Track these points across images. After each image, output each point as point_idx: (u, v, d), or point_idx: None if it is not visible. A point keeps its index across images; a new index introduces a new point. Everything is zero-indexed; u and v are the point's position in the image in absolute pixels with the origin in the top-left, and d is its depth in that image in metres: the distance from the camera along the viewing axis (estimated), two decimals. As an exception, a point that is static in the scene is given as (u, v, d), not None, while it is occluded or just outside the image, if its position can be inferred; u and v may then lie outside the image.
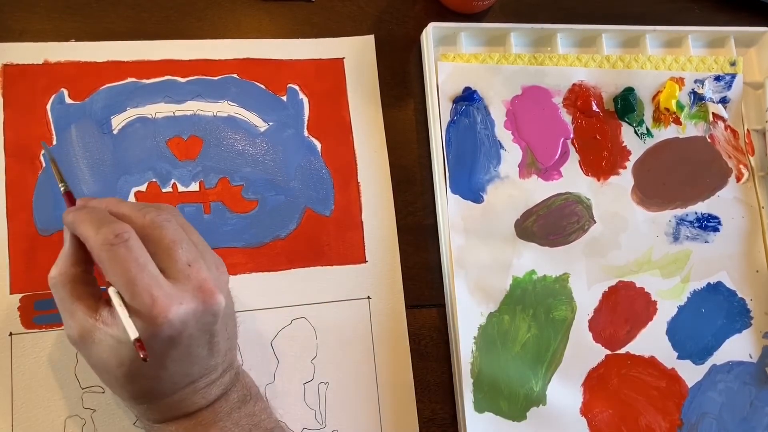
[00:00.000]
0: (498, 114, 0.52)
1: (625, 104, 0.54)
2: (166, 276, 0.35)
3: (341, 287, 0.49)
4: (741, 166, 0.55)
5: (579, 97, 0.54)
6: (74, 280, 0.36)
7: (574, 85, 0.54)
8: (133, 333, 0.33)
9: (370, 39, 0.53)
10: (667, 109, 0.55)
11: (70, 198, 0.40)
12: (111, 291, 0.34)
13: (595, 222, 0.52)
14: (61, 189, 0.40)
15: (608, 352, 0.51)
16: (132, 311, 0.33)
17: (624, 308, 0.51)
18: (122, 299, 0.34)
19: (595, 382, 0.50)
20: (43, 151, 0.46)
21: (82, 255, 0.37)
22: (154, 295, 0.33)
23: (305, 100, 0.51)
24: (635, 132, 0.54)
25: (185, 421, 0.38)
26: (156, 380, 0.36)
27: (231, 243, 0.47)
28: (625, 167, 0.54)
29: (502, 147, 0.52)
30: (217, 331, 0.37)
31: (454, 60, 0.52)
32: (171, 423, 0.38)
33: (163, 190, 0.47)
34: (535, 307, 0.50)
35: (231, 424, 0.38)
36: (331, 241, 0.49)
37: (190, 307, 0.34)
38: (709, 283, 0.53)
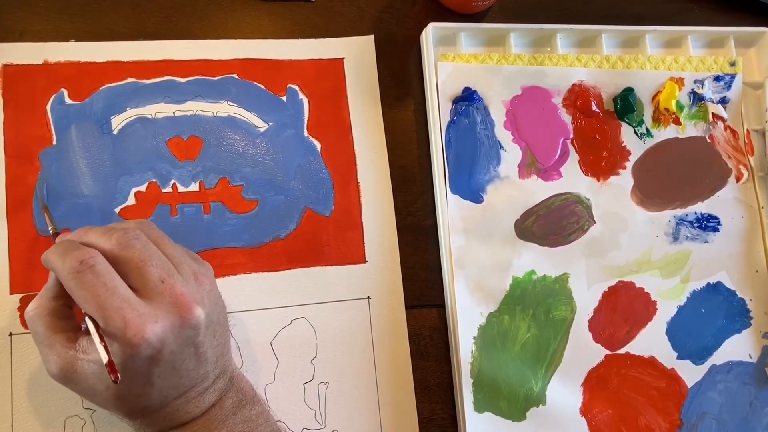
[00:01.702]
0: (498, 114, 0.52)
1: (625, 104, 0.54)
2: (141, 295, 0.34)
3: (341, 287, 0.49)
4: (741, 167, 0.55)
5: (579, 97, 0.54)
6: (52, 314, 0.36)
7: (573, 85, 0.54)
8: (104, 357, 0.33)
9: (370, 39, 0.53)
10: (667, 110, 0.55)
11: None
12: (86, 318, 0.34)
13: (595, 222, 0.52)
14: (51, 231, 0.42)
15: (608, 352, 0.51)
16: (108, 335, 0.33)
17: (624, 308, 0.51)
18: (96, 325, 0.34)
19: (594, 382, 0.50)
20: (35, 191, 0.46)
21: (62, 290, 0.36)
22: (126, 318, 0.33)
23: (305, 101, 0.51)
24: (635, 132, 0.54)
25: (180, 431, 0.37)
26: (146, 397, 0.36)
27: (231, 243, 0.47)
28: (625, 167, 0.54)
29: (501, 147, 0.52)
30: (202, 342, 0.36)
31: (454, 60, 0.52)
32: None
33: (163, 191, 0.47)
34: (534, 307, 0.50)
35: (226, 431, 0.38)
36: (330, 241, 0.49)
37: (166, 323, 0.34)
38: (708, 283, 0.53)
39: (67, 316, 0.37)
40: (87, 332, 0.35)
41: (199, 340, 0.36)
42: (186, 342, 0.35)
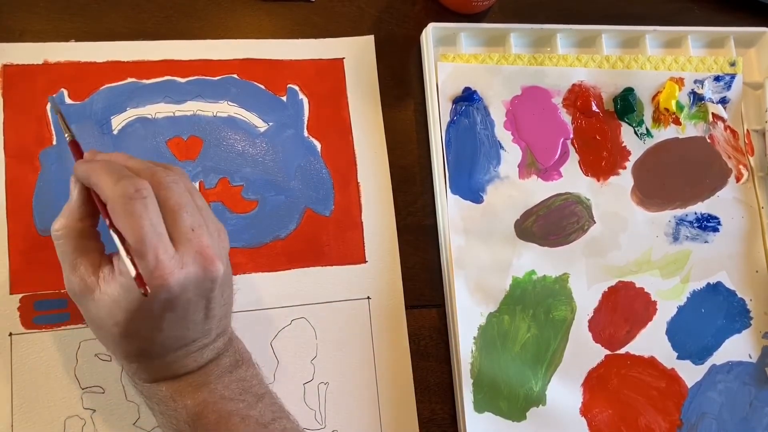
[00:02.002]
0: (498, 114, 0.52)
1: (625, 104, 0.54)
2: (170, 239, 0.35)
3: (341, 287, 0.49)
4: (740, 167, 0.55)
5: (579, 97, 0.54)
6: (80, 235, 0.36)
7: (573, 85, 0.54)
8: (132, 270, 0.33)
9: (370, 39, 0.53)
10: (667, 110, 0.55)
11: (77, 148, 0.39)
12: (115, 235, 0.34)
13: (595, 222, 0.52)
14: (67, 138, 0.40)
15: (608, 352, 0.51)
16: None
17: (624, 308, 0.51)
18: (123, 241, 0.34)
19: (594, 382, 0.50)
20: (48, 106, 0.46)
21: (90, 209, 0.36)
22: (159, 258, 0.33)
23: (305, 101, 0.51)
24: (635, 132, 0.54)
25: (175, 382, 0.38)
26: (150, 341, 0.36)
27: (231, 243, 0.47)
28: (625, 167, 0.54)
29: (501, 147, 0.52)
30: (214, 297, 0.37)
31: (454, 60, 0.52)
32: (161, 383, 0.38)
33: (163, 191, 0.47)
34: (534, 308, 0.50)
35: (221, 387, 0.38)
36: (330, 241, 0.49)
37: (190, 272, 0.35)
38: (708, 284, 0.53)
39: (94, 237, 0.37)
40: (110, 260, 0.35)
41: (213, 294, 0.37)
42: (202, 294, 0.36)
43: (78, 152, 0.39)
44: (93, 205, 0.36)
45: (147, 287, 0.33)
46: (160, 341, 0.36)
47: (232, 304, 0.41)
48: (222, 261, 0.36)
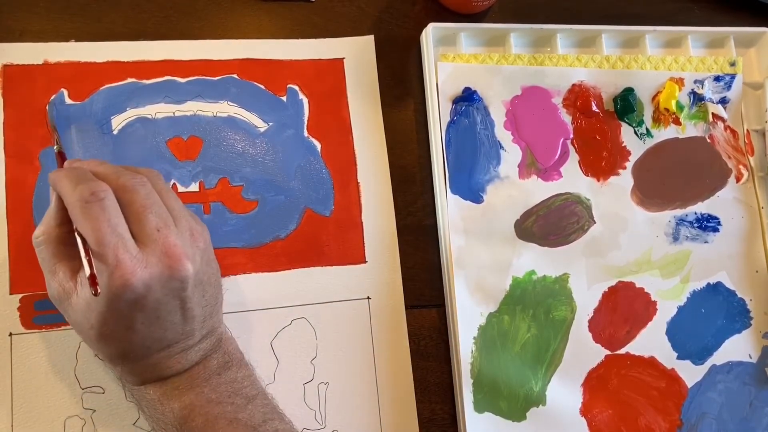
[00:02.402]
0: (498, 114, 0.52)
1: (625, 104, 0.54)
2: (135, 241, 0.35)
3: (341, 287, 0.49)
4: (741, 167, 0.55)
5: (579, 97, 0.54)
6: (57, 241, 0.37)
7: (573, 85, 0.54)
8: (87, 270, 0.33)
9: (369, 39, 0.53)
10: (667, 110, 0.55)
11: (62, 159, 0.41)
12: (77, 234, 0.35)
13: (595, 222, 0.52)
14: (55, 149, 0.41)
15: (608, 352, 0.51)
16: (98, 269, 0.34)
17: (624, 308, 0.51)
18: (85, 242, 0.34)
19: (594, 383, 0.50)
20: (48, 120, 0.46)
21: (65, 215, 0.37)
22: (119, 257, 0.34)
23: (305, 101, 0.51)
24: (635, 132, 0.54)
25: (162, 384, 0.38)
26: (128, 343, 0.36)
27: (231, 243, 0.47)
28: (625, 167, 0.54)
29: (501, 147, 0.52)
30: (189, 297, 0.37)
31: (454, 60, 0.52)
32: (149, 386, 0.38)
33: (163, 191, 0.47)
34: (534, 308, 0.50)
35: (208, 390, 0.38)
36: (330, 241, 0.49)
37: (154, 271, 0.35)
38: (708, 284, 0.53)
39: (72, 243, 0.37)
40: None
41: (185, 294, 0.37)
42: (172, 294, 0.36)
43: (61, 163, 0.40)
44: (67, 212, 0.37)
45: (97, 287, 0.33)
46: (139, 342, 0.36)
47: (218, 304, 0.41)
48: (192, 260, 0.36)
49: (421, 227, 0.51)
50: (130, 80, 0.48)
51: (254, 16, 0.52)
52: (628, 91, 0.54)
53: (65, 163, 0.40)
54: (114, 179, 0.36)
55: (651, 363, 0.51)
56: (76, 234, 0.35)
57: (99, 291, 0.33)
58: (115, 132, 0.48)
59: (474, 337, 0.49)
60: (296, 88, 0.51)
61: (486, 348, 0.49)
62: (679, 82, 0.55)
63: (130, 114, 0.48)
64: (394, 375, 0.48)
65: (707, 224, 0.54)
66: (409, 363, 0.48)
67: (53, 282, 0.36)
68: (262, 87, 0.50)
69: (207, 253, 0.39)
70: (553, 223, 0.52)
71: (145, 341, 0.37)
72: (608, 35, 0.55)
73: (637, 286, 0.52)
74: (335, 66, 0.52)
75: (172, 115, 0.49)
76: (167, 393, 0.38)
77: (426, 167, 0.52)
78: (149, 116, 0.48)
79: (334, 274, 0.49)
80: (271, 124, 0.50)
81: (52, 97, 0.47)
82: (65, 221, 0.37)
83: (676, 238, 0.53)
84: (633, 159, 0.54)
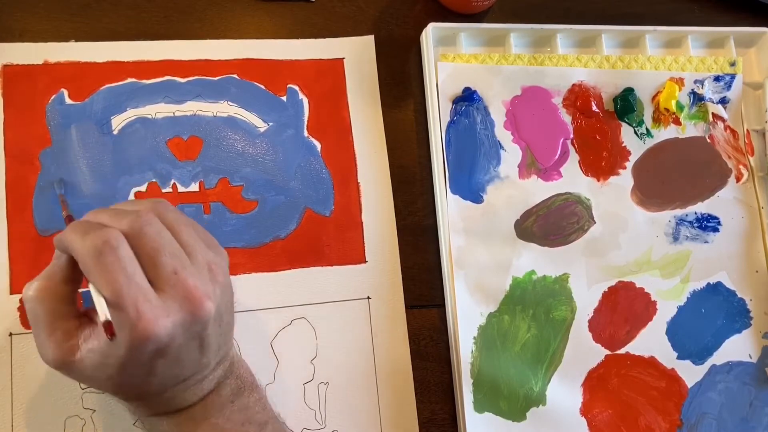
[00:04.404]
0: (498, 114, 0.52)
1: (625, 104, 0.54)
2: (152, 286, 0.33)
3: (341, 287, 0.49)
4: (741, 167, 0.55)
5: (579, 97, 0.54)
6: (58, 298, 0.34)
7: (573, 85, 0.54)
8: (103, 315, 0.32)
9: (369, 39, 0.53)
10: (667, 110, 0.55)
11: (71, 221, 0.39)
12: (92, 289, 0.33)
13: (595, 222, 0.52)
14: (64, 215, 0.41)
15: (608, 352, 0.51)
16: (117, 324, 0.32)
17: (624, 308, 0.51)
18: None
19: (594, 383, 0.50)
20: (56, 185, 0.46)
21: (74, 273, 0.35)
22: (140, 309, 0.32)
23: (305, 101, 0.51)
24: (635, 132, 0.54)
25: (175, 416, 0.37)
26: (146, 385, 0.35)
27: (231, 243, 0.47)
28: (625, 167, 0.54)
29: (501, 147, 0.52)
30: (208, 334, 0.36)
31: (454, 60, 0.52)
32: (162, 417, 0.37)
33: (163, 191, 0.47)
34: (534, 308, 0.50)
35: (222, 420, 0.37)
36: (331, 241, 0.49)
37: (177, 319, 0.33)
38: (708, 284, 0.53)
39: (72, 302, 0.35)
40: (90, 322, 0.34)
41: (206, 333, 0.35)
42: (193, 336, 0.35)
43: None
44: (78, 271, 0.34)
45: (114, 333, 0.32)
46: (156, 383, 0.35)
47: (231, 328, 0.39)
48: (213, 299, 0.35)
49: (421, 227, 0.51)
50: (130, 80, 0.48)
51: (254, 16, 0.52)
52: (628, 91, 0.54)
53: (71, 225, 0.37)
54: (116, 224, 0.34)
55: (651, 363, 0.51)
56: (90, 287, 0.33)
57: (116, 336, 0.32)
58: (115, 132, 0.48)
59: (474, 337, 0.49)
60: (296, 88, 0.51)
61: (486, 348, 0.49)
62: (679, 82, 0.55)
63: (130, 114, 0.48)
64: (394, 375, 0.48)
65: (707, 224, 0.54)
66: (409, 363, 0.48)
67: (50, 343, 0.34)
68: (262, 87, 0.50)
69: (225, 283, 0.37)
70: (553, 223, 0.52)
71: (163, 381, 0.35)
72: (608, 35, 0.55)
73: (637, 286, 0.52)
74: (335, 66, 0.52)
75: (172, 115, 0.49)
76: (181, 424, 0.37)
77: (426, 167, 0.52)
78: (149, 116, 0.48)
79: (334, 274, 0.49)
80: (271, 124, 0.50)
81: (57, 179, 0.46)
82: (71, 279, 0.35)
83: (676, 238, 0.53)
84: (633, 159, 0.54)
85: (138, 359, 0.33)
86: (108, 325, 0.32)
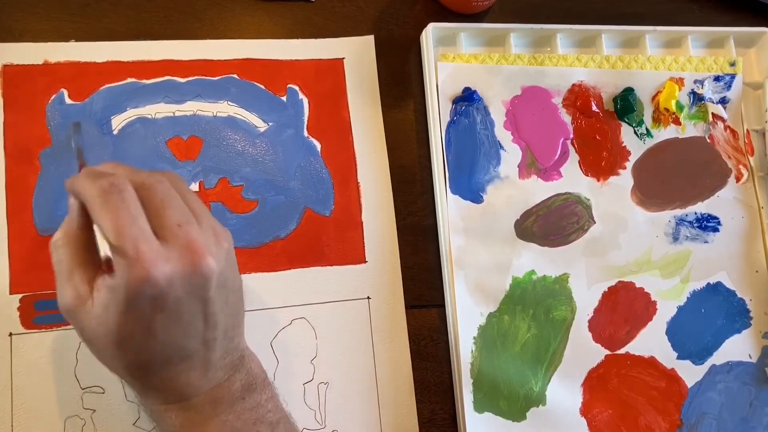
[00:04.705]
0: (498, 114, 0.52)
1: (625, 104, 0.54)
2: (156, 236, 0.33)
3: (341, 287, 0.49)
4: (740, 167, 0.55)
5: (579, 97, 0.54)
6: (78, 244, 0.35)
7: (573, 85, 0.54)
8: (104, 252, 0.32)
9: (369, 39, 0.53)
10: (667, 110, 0.55)
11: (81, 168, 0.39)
12: (96, 232, 0.34)
13: (595, 222, 0.52)
14: (79, 166, 0.41)
15: (608, 352, 0.51)
16: (116, 264, 0.32)
17: (624, 308, 0.51)
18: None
19: (594, 382, 0.50)
20: (72, 133, 0.45)
21: (88, 219, 0.35)
22: (139, 249, 0.32)
23: (305, 101, 0.51)
24: (635, 132, 0.54)
25: (185, 408, 0.36)
26: (146, 350, 0.34)
27: (231, 243, 0.47)
28: (625, 167, 0.54)
29: (501, 147, 0.52)
30: (211, 299, 0.35)
31: (454, 60, 0.52)
32: (171, 409, 0.36)
33: (163, 191, 0.47)
34: (534, 308, 0.50)
35: (233, 418, 0.37)
36: (330, 241, 0.49)
37: (176, 266, 0.33)
38: (708, 284, 0.53)
39: (92, 250, 0.36)
40: (105, 271, 0.34)
41: (208, 295, 0.35)
42: (194, 293, 0.34)
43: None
44: (89, 216, 0.35)
45: (113, 269, 0.32)
46: (158, 349, 0.35)
47: (241, 317, 0.39)
48: (216, 258, 0.35)
49: (421, 227, 0.51)
50: (130, 80, 0.48)
51: (254, 16, 0.52)
52: (628, 91, 0.54)
53: (83, 170, 0.38)
54: (131, 176, 0.35)
55: (651, 363, 0.51)
56: (95, 229, 0.34)
57: (114, 272, 0.32)
58: (115, 132, 0.48)
59: (474, 337, 0.49)
60: (296, 88, 0.51)
61: (486, 348, 0.49)
62: (679, 82, 0.55)
63: (130, 114, 0.48)
64: (394, 375, 0.48)
65: (707, 224, 0.54)
66: (409, 363, 0.48)
67: (68, 286, 0.34)
68: (262, 87, 0.50)
69: (230, 256, 0.37)
70: (553, 223, 0.52)
71: (165, 348, 0.35)
72: (608, 35, 0.55)
73: (637, 286, 0.52)
74: (335, 66, 0.52)
75: (172, 115, 0.49)
76: (189, 419, 0.36)
77: (426, 167, 0.52)
78: (149, 116, 0.48)
79: (334, 274, 0.49)
80: (271, 124, 0.50)
81: (75, 122, 0.45)
82: (86, 225, 0.35)
83: (676, 238, 0.53)
84: (633, 159, 0.54)
85: (136, 307, 0.33)
86: (108, 262, 0.33)
